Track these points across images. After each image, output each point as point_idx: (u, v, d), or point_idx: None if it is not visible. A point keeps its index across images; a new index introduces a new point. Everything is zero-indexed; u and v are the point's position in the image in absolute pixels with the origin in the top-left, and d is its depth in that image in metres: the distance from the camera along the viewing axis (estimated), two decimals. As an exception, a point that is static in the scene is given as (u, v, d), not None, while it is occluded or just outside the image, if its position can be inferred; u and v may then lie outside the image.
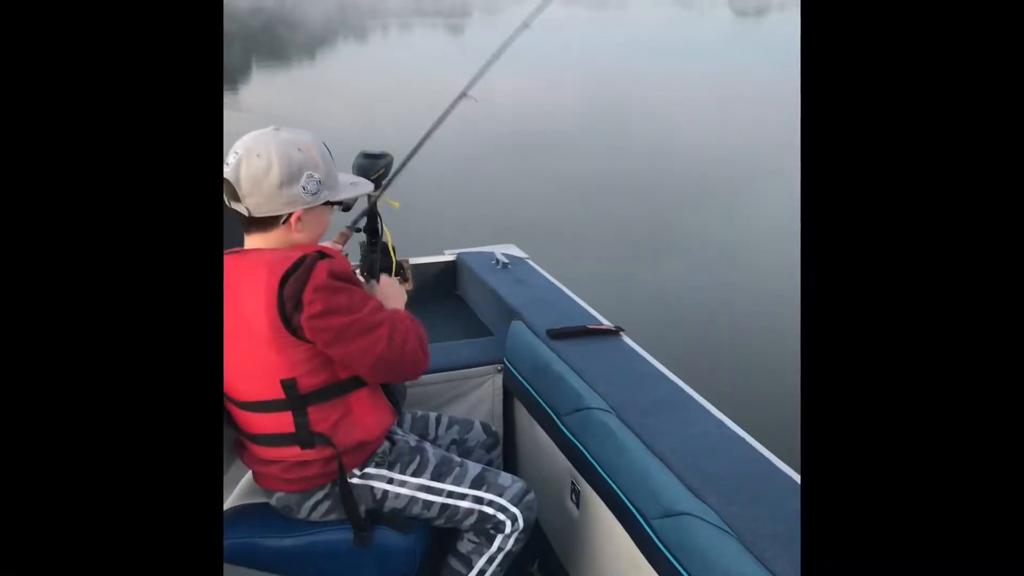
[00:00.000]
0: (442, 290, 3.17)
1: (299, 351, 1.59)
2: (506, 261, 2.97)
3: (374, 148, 2.08)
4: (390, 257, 2.06)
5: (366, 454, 1.75)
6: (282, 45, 26.29)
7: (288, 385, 1.61)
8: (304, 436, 1.65)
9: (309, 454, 1.67)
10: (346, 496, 1.71)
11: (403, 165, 2.17)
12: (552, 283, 2.81)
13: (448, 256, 3.18)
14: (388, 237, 2.12)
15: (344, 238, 2.07)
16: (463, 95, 2.28)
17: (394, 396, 1.84)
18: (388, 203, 2.10)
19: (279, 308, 1.55)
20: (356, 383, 1.69)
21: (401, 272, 2.05)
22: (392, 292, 1.91)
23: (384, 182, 2.07)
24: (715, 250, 6.50)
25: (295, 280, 1.55)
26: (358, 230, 2.09)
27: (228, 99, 15.79)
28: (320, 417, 1.66)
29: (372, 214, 2.10)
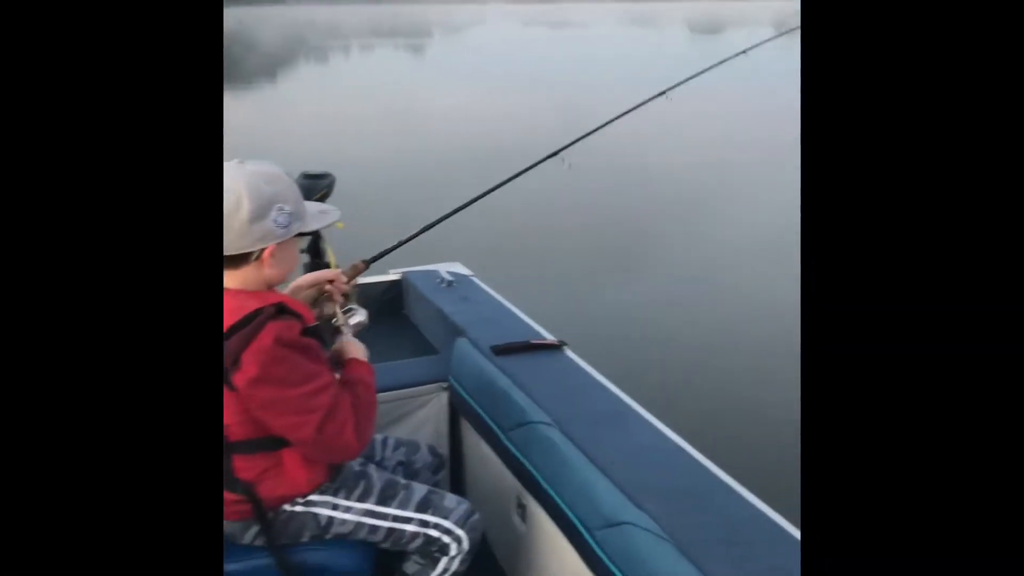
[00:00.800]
0: (388, 309, 3.16)
1: (230, 402, 1.54)
2: (451, 279, 2.98)
3: (314, 168, 2.09)
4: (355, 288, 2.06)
5: (291, 500, 1.72)
6: (240, 65, 26.16)
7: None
8: (229, 480, 1.63)
9: (233, 496, 1.65)
10: (271, 539, 1.70)
11: None
12: (497, 300, 2.83)
13: (393, 275, 3.17)
14: (332, 258, 2.13)
15: (356, 272, 2.03)
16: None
17: None
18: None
19: None
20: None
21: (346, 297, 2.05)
22: (353, 349, 1.84)
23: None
24: (670, 267, 6.55)
25: (239, 337, 1.49)
26: (302, 251, 2.08)
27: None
28: (245, 466, 1.63)
29: (315, 235, 2.10)
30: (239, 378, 1.50)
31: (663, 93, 3.02)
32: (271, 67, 27.19)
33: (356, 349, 1.84)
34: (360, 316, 1.90)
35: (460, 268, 3.21)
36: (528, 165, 2.60)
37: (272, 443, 1.62)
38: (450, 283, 2.96)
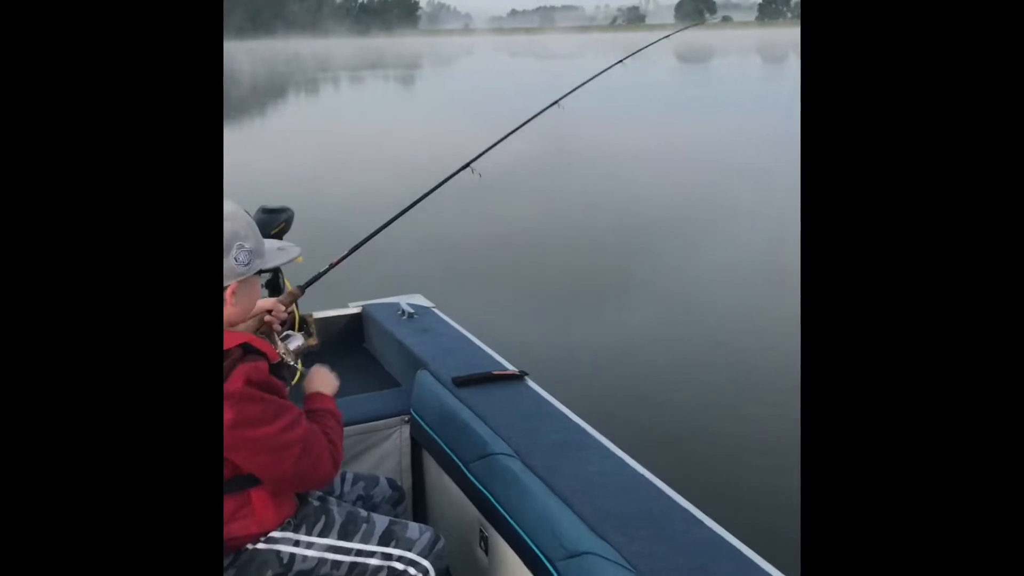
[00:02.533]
0: (348, 342, 3.15)
1: None
2: (412, 311, 2.98)
3: (273, 203, 2.10)
4: (293, 314, 2.06)
5: (261, 535, 1.71)
6: (227, 98, 26.30)
7: None
8: None
9: None
10: None
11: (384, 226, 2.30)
12: (458, 331, 2.83)
13: (353, 308, 3.17)
14: (289, 288, 2.13)
15: (292, 298, 2.04)
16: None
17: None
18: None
19: None
20: (257, 479, 1.64)
21: (305, 327, 2.05)
22: (323, 381, 1.86)
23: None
24: (644, 295, 6.56)
25: None
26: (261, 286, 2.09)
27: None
28: None
29: (274, 271, 2.10)
30: None
31: (556, 102, 3.17)
32: (261, 100, 27.36)
33: (321, 381, 1.85)
34: (297, 341, 1.90)
35: (421, 300, 3.21)
36: (441, 180, 2.66)
37: (241, 482, 1.61)
38: (411, 315, 2.96)
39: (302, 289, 2.11)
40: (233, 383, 1.50)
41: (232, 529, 1.64)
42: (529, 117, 3.04)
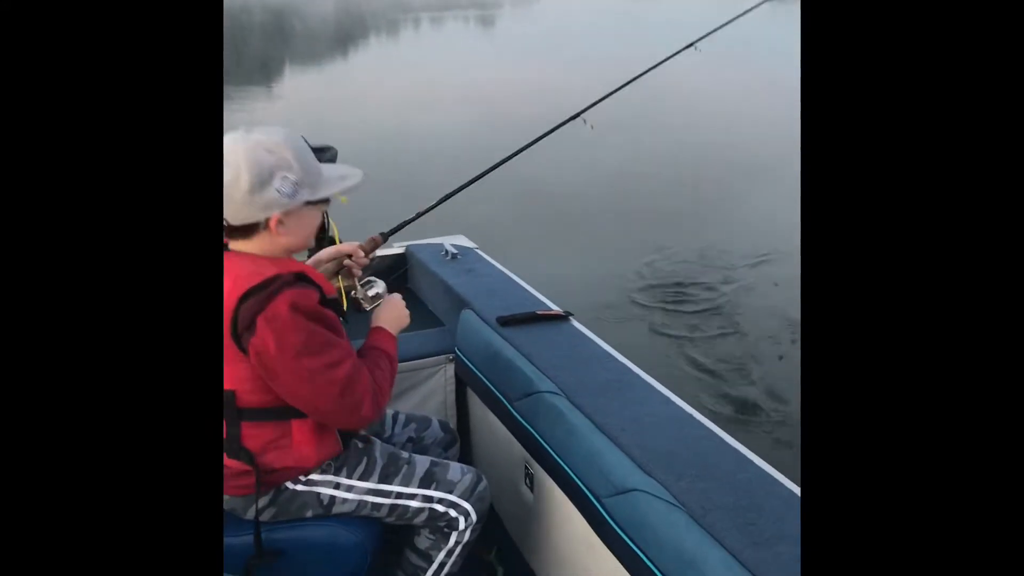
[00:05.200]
0: (393, 282, 3.16)
1: (243, 367, 1.54)
2: (455, 252, 2.97)
3: (317, 142, 2.08)
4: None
5: (300, 474, 1.72)
6: (308, 39, 26.46)
7: (227, 396, 1.57)
8: (232, 447, 1.62)
9: (235, 465, 1.64)
10: (276, 514, 1.71)
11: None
12: (502, 272, 2.80)
13: (397, 248, 3.17)
14: (335, 232, 2.13)
15: (374, 245, 2.02)
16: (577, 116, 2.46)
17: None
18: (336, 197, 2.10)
19: (232, 323, 1.49)
20: (301, 412, 1.63)
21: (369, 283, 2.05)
22: (391, 316, 1.84)
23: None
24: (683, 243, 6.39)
25: (254, 301, 1.49)
26: None
27: (263, 91, 15.86)
28: (253, 434, 1.62)
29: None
30: (253, 343, 1.50)
31: (692, 45, 2.94)
32: (343, 42, 27.47)
33: (391, 315, 1.84)
34: (379, 288, 1.91)
35: (464, 241, 3.19)
36: (548, 129, 2.54)
37: (283, 412, 1.62)
38: (455, 256, 2.94)
39: (385, 236, 2.07)
40: (278, 306, 1.49)
41: (268, 459, 1.65)
42: (659, 61, 2.85)
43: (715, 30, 3.00)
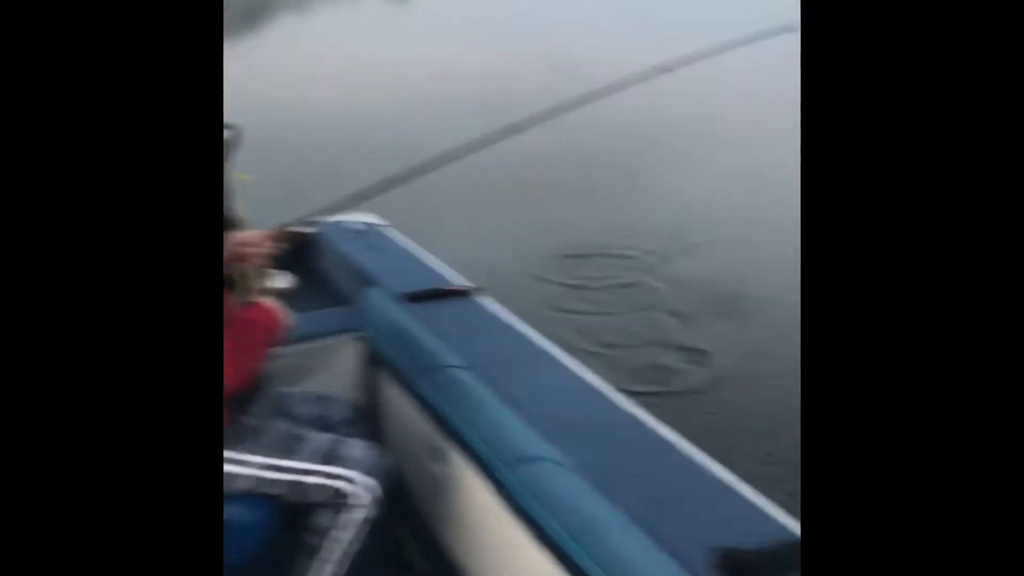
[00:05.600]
0: (298, 260, 3.11)
1: None
2: (363, 229, 2.95)
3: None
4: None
5: None
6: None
7: None
8: None
9: None
10: None
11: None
12: (410, 250, 2.81)
13: (303, 227, 3.11)
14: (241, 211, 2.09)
15: (283, 235, 1.96)
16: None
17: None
18: (238, 176, 2.05)
19: None
20: None
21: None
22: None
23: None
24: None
25: None
26: None
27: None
28: None
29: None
30: None
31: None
32: (249, 18, 26.57)
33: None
34: (286, 281, 1.87)
35: (372, 218, 3.15)
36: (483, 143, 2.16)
37: None
38: (362, 233, 2.93)
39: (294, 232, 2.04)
40: None
41: None
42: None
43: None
